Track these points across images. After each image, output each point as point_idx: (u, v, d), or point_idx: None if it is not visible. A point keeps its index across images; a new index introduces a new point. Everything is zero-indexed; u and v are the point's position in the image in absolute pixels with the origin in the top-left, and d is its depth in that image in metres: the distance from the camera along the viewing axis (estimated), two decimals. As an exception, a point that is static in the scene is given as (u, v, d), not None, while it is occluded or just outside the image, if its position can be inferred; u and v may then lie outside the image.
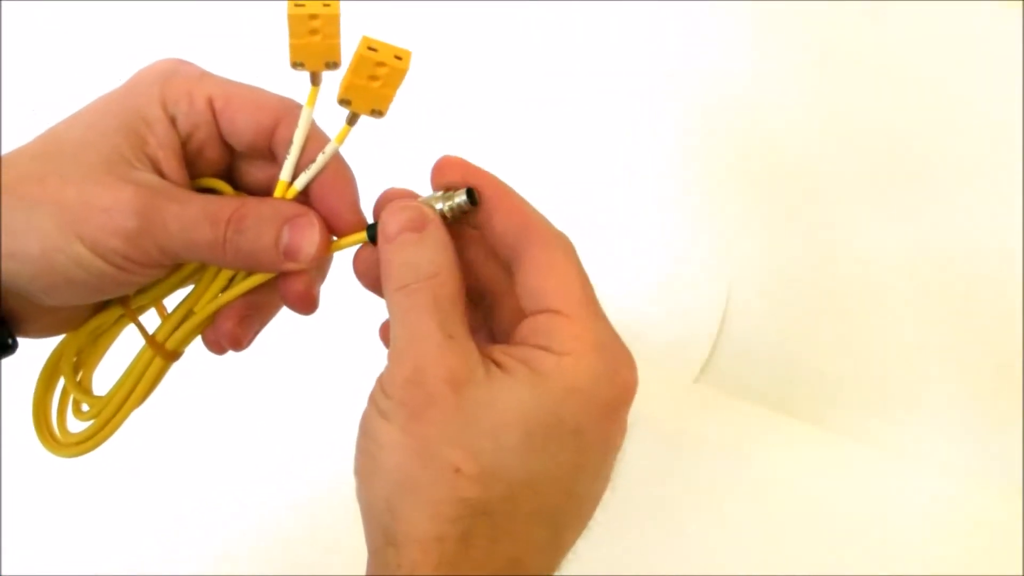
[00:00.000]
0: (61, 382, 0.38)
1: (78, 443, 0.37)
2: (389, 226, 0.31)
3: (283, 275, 0.35)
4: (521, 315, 0.31)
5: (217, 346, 0.37)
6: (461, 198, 0.32)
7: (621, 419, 0.30)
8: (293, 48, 0.31)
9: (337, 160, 0.34)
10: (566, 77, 0.65)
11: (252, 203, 0.33)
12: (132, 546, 0.54)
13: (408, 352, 0.30)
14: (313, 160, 0.33)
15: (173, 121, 0.33)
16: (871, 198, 0.56)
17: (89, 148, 0.32)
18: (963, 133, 0.52)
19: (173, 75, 0.34)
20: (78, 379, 0.37)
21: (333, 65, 0.32)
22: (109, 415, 0.37)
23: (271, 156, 0.35)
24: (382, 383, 0.30)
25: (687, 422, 0.59)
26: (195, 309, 0.36)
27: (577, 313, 0.30)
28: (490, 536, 0.28)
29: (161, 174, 0.33)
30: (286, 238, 0.33)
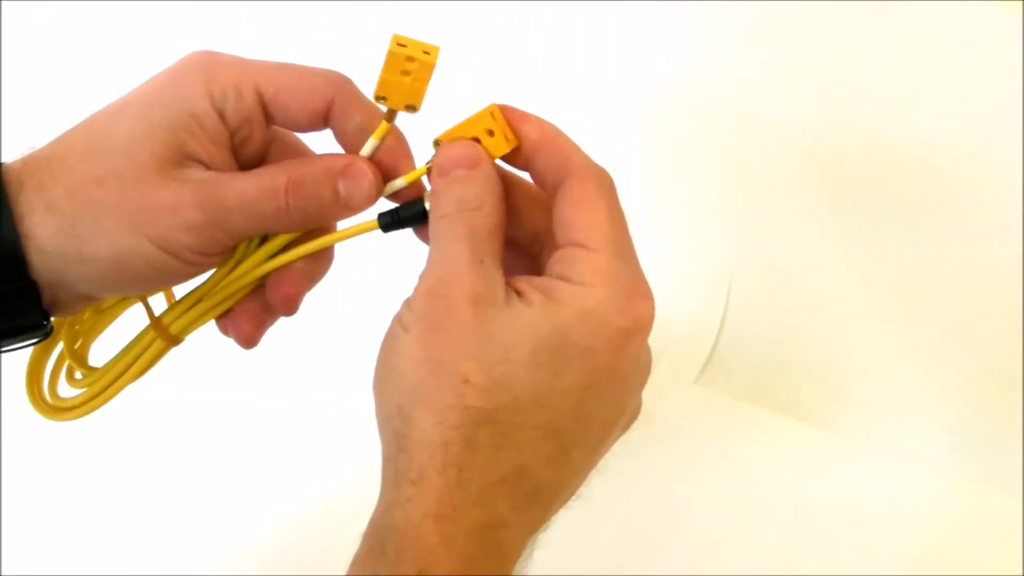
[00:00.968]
0: (59, 348, 0.38)
1: (66, 408, 0.38)
2: (444, 161, 0.33)
3: (274, 278, 0.36)
4: None
5: (253, 337, 0.38)
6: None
7: (633, 349, 0.31)
8: (382, 82, 0.32)
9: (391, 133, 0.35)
10: (566, 77, 0.65)
11: (301, 166, 0.34)
12: (132, 546, 0.53)
13: (436, 269, 0.31)
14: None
15: (222, 115, 0.34)
16: (871, 198, 0.56)
17: (139, 145, 0.32)
18: (963, 133, 0.52)
19: (215, 67, 0.34)
20: (76, 347, 0.38)
21: (411, 108, 0.33)
22: (102, 387, 0.37)
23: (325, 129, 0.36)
24: (407, 300, 0.32)
25: (687, 422, 0.59)
26: (204, 297, 0.37)
27: (601, 247, 0.31)
28: (495, 444, 0.29)
29: (208, 166, 0.34)
30: (343, 189, 0.34)
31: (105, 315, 0.38)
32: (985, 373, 0.55)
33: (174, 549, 0.53)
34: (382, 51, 0.32)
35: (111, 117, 0.33)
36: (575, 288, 0.30)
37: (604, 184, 0.32)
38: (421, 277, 0.32)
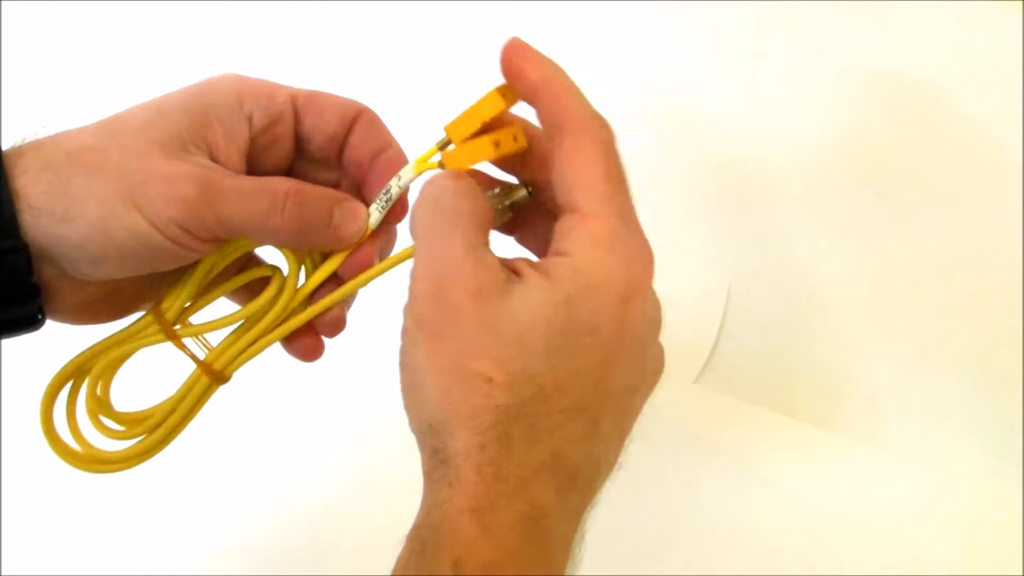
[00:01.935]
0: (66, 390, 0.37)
1: (113, 461, 0.37)
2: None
3: (296, 333, 0.37)
4: None
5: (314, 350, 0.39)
6: (521, 193, 0.34)
7: (633, 309, 0.31)
8: (461, 125, 0.33)
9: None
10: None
11: (307, 184, 0.35)
12: (132, 546, 0.53)
13: (430, 266, 0.31)
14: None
15: (249, 117, 0.34)
16: (871, 197, 0.56)
17: (150, 127, 0.33)
18: (962, 133, 0.52)
19: (248, 79, 0.35)
20: (97, 391, 0.37)
21: (450, 159, 0.33)
22: (155, 434, 0.37)
23: (336, 160, 0.37)
24: (407, 308, 0.31)
25: (687, 422, 0.59)
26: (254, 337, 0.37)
27: (596, 210, 0.31)
28: (528, 436, 0.29)
29: (217, 160, 0.34)
30: (337, 216, 0.35)
31: (116, 354, 0.37)
32: (985, 373, 0.55)
33: (174, 549, 0.53)
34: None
35: (133, 109, 0.34)
36: (572, 261, 0.30)
37: (599, 139, 0.31)
38: (414, 278, 0.31)
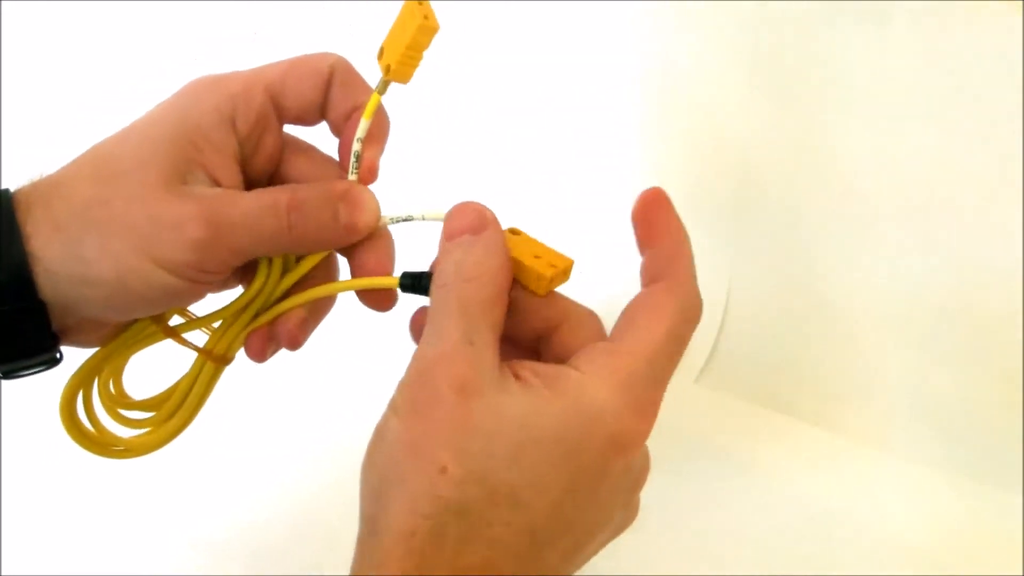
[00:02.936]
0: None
1: (127, 448, 0.38)
2: (451, 225, 0.32)
3: (280, 316, 0.37)
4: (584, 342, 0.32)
5: (263, 353, 0.38)
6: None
7: (622, 457, 0.30)
8: (389, 47, 0.33)
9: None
10: (566, 78, 0.65)
11: (304, 188, 0.35)
12: (132, 546, 0.53)
13: (426, 351, 0.30)
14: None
15: (231, 124, 0.34)
16: (870, 197, 0.56)
17: (144, 167, 0.33)
18: (963, 133, 0.52)
19: (221, 81, 0.35)
20: (110, 387, 0.38)
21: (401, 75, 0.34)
22: (169, 418, 0.38)
23: (320, 118, 0.36)
24: (400, 381, 0.31)
25: (687, 422, 0.59)
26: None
27: (633, 349, 0.30)
28: (462, 537, 0.28)
29: (216, 181, 0.34)
30: (344, 214, 0.34)
31: (122, 356, 0.38)
32: (985, 373, 0.55)
33: (174, 549, 0.53)
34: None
35: (118, 141, 0.34)
36: (581, 378, 0.30)
37: (685, 311, 0.32)
38: (414, 357, 0.31)
